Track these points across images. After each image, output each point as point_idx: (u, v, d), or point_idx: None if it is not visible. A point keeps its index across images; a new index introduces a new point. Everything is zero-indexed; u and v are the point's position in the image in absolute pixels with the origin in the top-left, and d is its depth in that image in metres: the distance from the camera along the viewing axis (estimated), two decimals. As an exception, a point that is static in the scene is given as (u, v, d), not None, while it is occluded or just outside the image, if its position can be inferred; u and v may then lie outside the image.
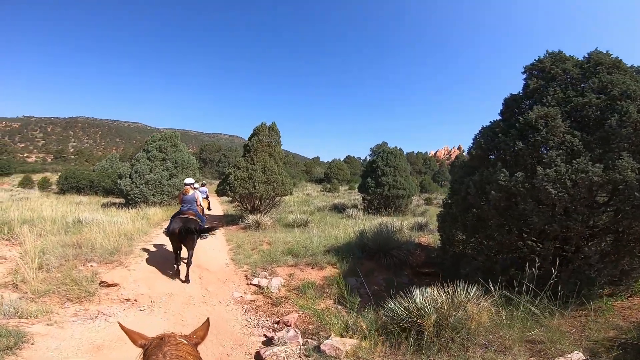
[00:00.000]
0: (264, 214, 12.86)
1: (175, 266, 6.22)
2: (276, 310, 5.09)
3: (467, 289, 3.36)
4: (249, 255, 7.44)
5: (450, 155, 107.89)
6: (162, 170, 16.38)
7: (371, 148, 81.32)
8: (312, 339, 3.82)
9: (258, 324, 4.59)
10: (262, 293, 5.63)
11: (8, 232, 8.15)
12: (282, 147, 14.51)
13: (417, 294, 3.30)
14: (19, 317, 4.08)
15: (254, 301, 5.42)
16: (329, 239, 8.30)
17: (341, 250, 7.13)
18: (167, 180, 16.31)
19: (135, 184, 15.83)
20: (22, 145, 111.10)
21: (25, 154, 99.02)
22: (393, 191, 16.62)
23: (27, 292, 4.90)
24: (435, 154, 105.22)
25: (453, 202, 5.48)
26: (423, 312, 3.05)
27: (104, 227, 8.48)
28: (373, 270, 6.52)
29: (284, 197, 15.00)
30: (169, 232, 6.05)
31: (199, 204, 7.00)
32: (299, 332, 3.84)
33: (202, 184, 14.44)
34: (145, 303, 4.99)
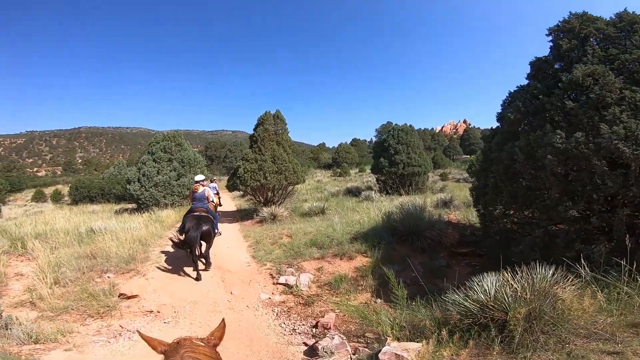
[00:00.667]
0: (279, 205, 12.42)
1: (195, 270, 5.90)
2: (310, 311, 4.66)
3: (544, 272, 2.85)
4: (270, 251, 7.03)
5: (457, 129, 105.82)
6: (170, 171, 16.02)
7: (376, 129, 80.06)
8: (359, 342, 3.39)
9: (294, 329, 4.16)
10: (291, 292, 5.20)
11: (22, 248, 7.92)
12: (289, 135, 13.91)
13: (488, 283, 2.81)
14: (35, 343, 3.71)
15: (284, 302, 5.00)
16: (352, 225, 7.82)
17: (368, 236, 6.65)
18: (175, 180, 15.97)
19: (145, 187, 15.53)
20: (30, 160, 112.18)
21: (35, 169, 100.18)
22: (408, 169, 16.01)
23: (45, 310, 4.59)
24: (441, 129, 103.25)
25: (493, 173, 4.93)
26: (503, 305, 2.57)
27: (117, 234, 8.16)
28: (407, 255, 6.03)
29: (296, 186, 14.56)
30: (184, 232, 5.85)
31: (210, 200, 6.87)
32: (344, 338, 3.40)
33: (211, 180, 14.07)
34: (169, 314, 4.62)
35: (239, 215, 13.19)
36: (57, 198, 28.52)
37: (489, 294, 2.71)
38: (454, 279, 5.30)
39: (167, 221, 11.51)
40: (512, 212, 4.81)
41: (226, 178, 24.15)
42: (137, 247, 7.29)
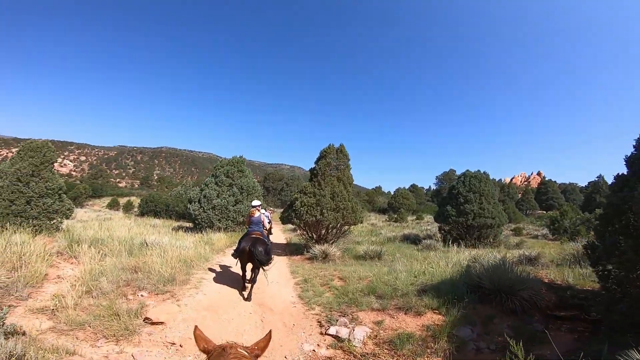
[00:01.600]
0: (331, 244, 11.51)
1: (242, 284, 6.36)
2: (363, 377, 3.58)
3: None
4: (320, 293, 6.07)
5: (529, 182, 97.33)
6: (229, 196, 16.17)
7: (437, 176, 76.94)
8: None
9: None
10: (341, 347, 4.16)
11: (76, 250, 7.92)
12: (350, 172, 13.16)
13: None
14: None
15: (330, 359, 3.97)
16: (417, 275, 6.61)
17: (440, 290, 5.42)
18: (232, 205, 16.02)
19: (203, 208, 15.77)
20: (117, 172, 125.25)
21: (118, 180, 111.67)
22: (479, 220, 14.22)
23: (61, 322, 4.09)
24: (511, 180, 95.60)
25: (635, 230, 3.62)
26: None
27: (165, 251, 7.86)
28: (492, 316, 4.76)
29: (352, 227, 13.58)
30: (239, 252, 6.25)
31: (265, 226, 7.23)
32: None
33: (265, 208, 13.79)
34: (193, 351, 3.86)
35: (289, 250, 12.50)
36: (128, 208, 30.76)
37: None
38: (555, 346, 4.02)
39: (217, 244, 11.19)
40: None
41: (280, 210, 24.00)
42: (181, 267, 6.85)
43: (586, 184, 62.96)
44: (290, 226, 16.47)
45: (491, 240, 14.48)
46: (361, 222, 13.38)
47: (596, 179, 41.83)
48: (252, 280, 6.25)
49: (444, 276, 6.29)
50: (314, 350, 4.14)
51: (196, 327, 1.42)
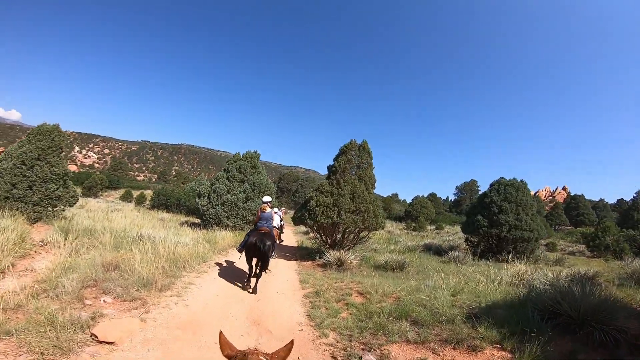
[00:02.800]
0: (347, 250, 10.18)
1: (246, 280, 6.24)
2: None
3: None
4: (335, 312, 4.78)
5: (554, 196, 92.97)
6: (240, 192, 15.12)
7: (457, 186, 74.41)
8: None
9: None
10: (364, 402, 2.87)
11: (61, 241, 6.96)
12: (373, 171, 11.79)
13: None
14: None
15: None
16: (454, 294, 5.19)
17: (495, 315, 4.04)
18: (243, 202, 14.96)
19: (212, 203, 14.79)
20: (137, 165, 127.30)
21: (137, 173, 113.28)
22: (515, 232, 12.63)
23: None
24: (535, 194, 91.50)
25: None
26: None
27: (155, 246, 6.77)
28: (574, 352, 3.38)
29: (372, 232, 12.20)
30: (246, 245, 6.12)
31: (274, 224, 7.07)
32: None
33: (279, 208, 12.70)
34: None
35: (299, 254, 11.26)
36: (140, 201, 30.25)
37: None
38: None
39: (221, 243, 10.06)
40: None
41: (293, 212, 22.83)
42: (168, 268, 5.71)
43: (615, 201, 59.63)
44: (302, 228, 15.27)
45: (527, 254, 12.83)
46: (382, 228, 12.03)
47: (634, 195, 39.17)
48: (258, 275, 6.15)
49: (493, 296, 4.89)
50: (325, 402, 2.87)
51: (221, 332, 1.40)
